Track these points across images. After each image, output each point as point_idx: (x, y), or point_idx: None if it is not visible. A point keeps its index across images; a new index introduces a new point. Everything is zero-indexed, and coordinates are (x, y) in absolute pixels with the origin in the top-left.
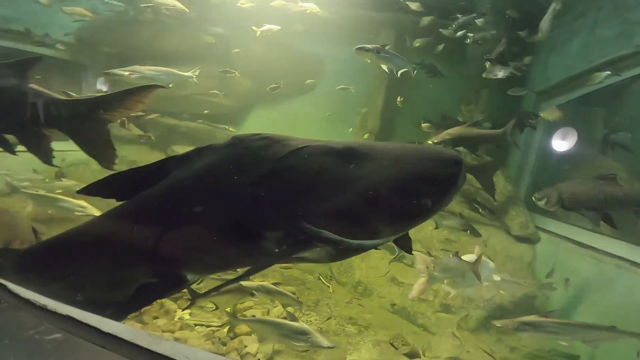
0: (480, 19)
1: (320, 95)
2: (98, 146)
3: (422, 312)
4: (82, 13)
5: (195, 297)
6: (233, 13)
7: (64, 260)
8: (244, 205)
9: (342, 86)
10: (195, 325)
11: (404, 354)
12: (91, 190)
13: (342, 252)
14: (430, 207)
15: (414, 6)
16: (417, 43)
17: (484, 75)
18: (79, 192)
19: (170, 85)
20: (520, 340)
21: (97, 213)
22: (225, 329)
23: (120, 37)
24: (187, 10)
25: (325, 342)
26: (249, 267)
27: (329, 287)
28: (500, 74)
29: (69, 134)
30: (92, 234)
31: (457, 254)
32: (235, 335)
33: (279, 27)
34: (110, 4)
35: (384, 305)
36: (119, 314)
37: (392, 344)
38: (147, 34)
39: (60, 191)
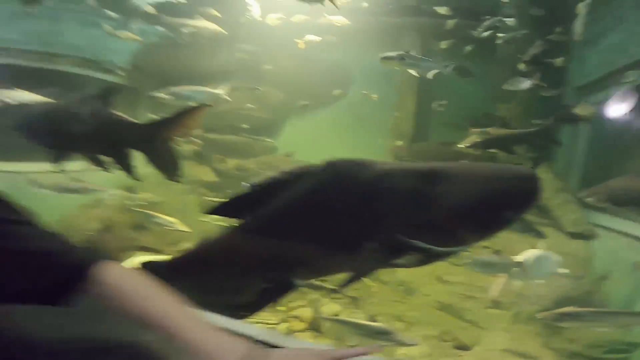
0: (511, 19)
1: (350, 102)
2: (164, 161)
3: (470, 309)
4: (132, 38)
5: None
6: (262, 30)
7: (199, 270)
8: (346, 221)
9: (364, 92)
10: (253, 322)
11: (454, 347)
12: (218, 211)
13: (430, 258)
14: (512, 218)
15: (442, 10)
16: (443, 45)
17: (504, 86)
18: (207, 212)
19: (210, 104)
20: (580, 332)
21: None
22: (283, 326)
23: (164, 60)
24: (225, 32)
25: (407, 340)
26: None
27: (372, 286)
28: (524, 85)
29: (142, 152)
30: (221, 247)
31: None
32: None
33: (320, 38)
34: (155, 29)
35: (429, 303)
36: (245, 314)
37: (441, 339)
38: (186, 56)
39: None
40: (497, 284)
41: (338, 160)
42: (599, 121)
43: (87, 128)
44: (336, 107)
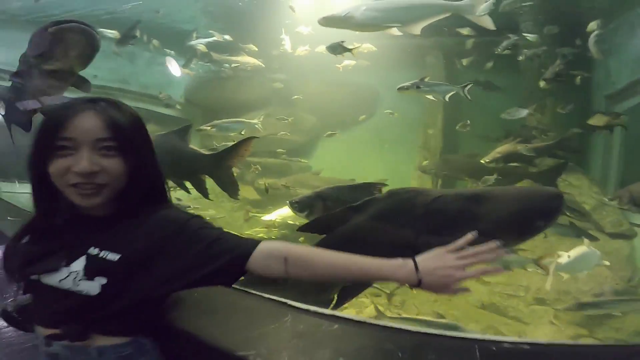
0: (534, 35)
1: (378, 122)
2: (227, 184)
3: (513, 306)
4: (185, 72)
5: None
6: (292, 60)
7: None
8: (409, 234)
9: (388, 111)
10: None
11: None
12: (308, 228)
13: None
14: (543, 227)
15: (464, 31)
16: (465, 62)
17: (502, 116)
18: (299, 229)
19: (243, 132)
20: (625, 321)
21: None
22: None
23: (211, 93)
24: (263, 65)
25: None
26: None
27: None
28: (522, 114)
29: (212, 177)
30: None
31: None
32: None
33: (354, 62)
34: (204, 66)
35: (471, 302)
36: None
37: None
38: (229, 88)
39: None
40: (549, 279)
41: (399, 189)
42: (632, 127)
43: (171, 159)
44: (365, 126)
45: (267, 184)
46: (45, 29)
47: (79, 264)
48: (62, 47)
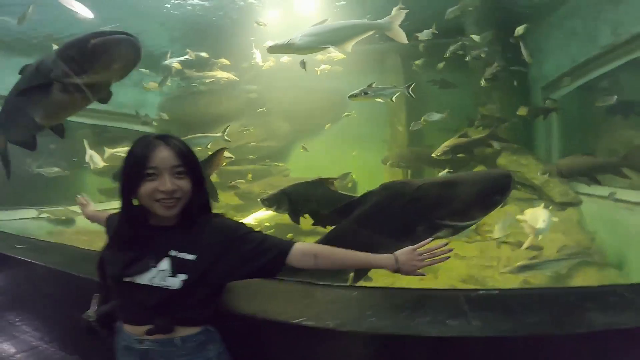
0: (477, 36)
1: (347, 122)
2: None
3: (490, 276)
4: (155, 87)
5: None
6: (263, 72)
7: None
8: (402, 217)
9: (346, 113)
10: None
11: None
12: (323, 221)
13: (456, 231)
14: (500, 201)
15: (423, 36)
16: (418, 63)
17: (423, 118)
18: (314, 224)
19: (209, 146)
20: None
21: None
22: None
23: (184, 109)
24: (238, 79)
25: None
26: None
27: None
28: (435, 117)
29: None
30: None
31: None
32: None
33: (330, 66)
34: (176, 82)
35: (454, 277)
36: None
37: None
38: (202, 102)
39: None
40: (527, 241)
41: (389, 182)
42: (565, 112)
43: None
44: (336, 128)
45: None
46: (87, 40)
47: (165, 264)
48: (106, 59)
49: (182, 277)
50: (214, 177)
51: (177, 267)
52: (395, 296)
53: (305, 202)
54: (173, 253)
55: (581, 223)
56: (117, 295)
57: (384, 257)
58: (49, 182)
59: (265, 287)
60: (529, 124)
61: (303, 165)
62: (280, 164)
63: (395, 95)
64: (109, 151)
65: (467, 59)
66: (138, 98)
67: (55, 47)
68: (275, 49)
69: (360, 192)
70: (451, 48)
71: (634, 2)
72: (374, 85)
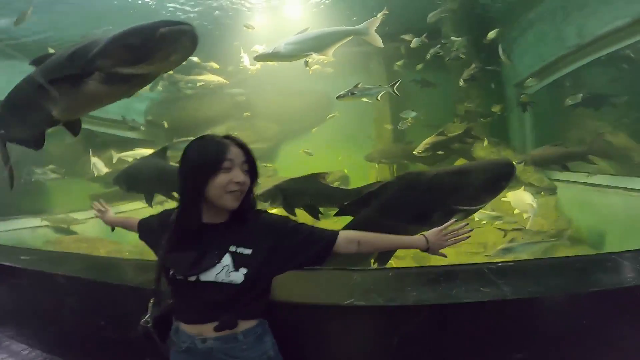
0: (459, 38)
1: (333, 122)
2: None
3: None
4: (145, 91)
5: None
6: (251, 75)
7: None
8: (420, 204)
9: (331, 115)
10: None
11: None
12: (341, 213)
13: (468, 214)
14: (505, 186)
15: (408, 37)
16: (398, 64)
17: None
18: (337, 214)
19: None
20: None
21: None
22: None
23: (171, 114)
24: (227, 82)
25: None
26: None
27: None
28: (411, 114)
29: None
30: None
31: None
32: None
33: (319, 67)
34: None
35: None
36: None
37: None
38: (189, 107)
39: None
40: (530, 220)
41: (406, 173)
42: (536, 106)
43: (157, 177)
44: (322, 128)
45: None
46: (155, 28)
47: (227, 259)
48: (169, 49)
49: (244, 271)
50: None
51: (238, 261)
52: (426, 273)
53: (299, 196)
54: (233, 248)
55: (558, 207)
56: (178, 296)
57: (416, 238)
58: (44, 189)
59: (302, 276)
60: (504, 119)
61: (290, 166)
62: (268, 165)
63: (380, 94)
64: (116, 155)
65: (446, 59)
66: (122, 103)
67: (51, 50)
68: (261, 58)
69: (351, 186)
70: (431, 51)
71: (597, 7)
72: (359, 86)
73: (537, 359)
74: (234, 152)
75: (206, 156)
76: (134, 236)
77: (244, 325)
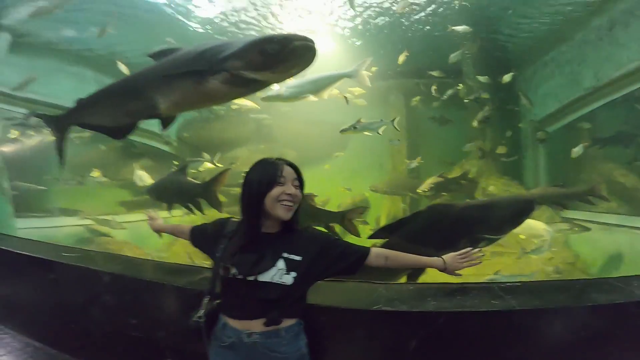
0: (483, 77)
1: (350, 154)
2: (214, 202)
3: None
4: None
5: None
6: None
7: None
8: (448, 233)
9: (337, 153)
10: None
11: None
12: (378, 235)
13: (490, 242)
14: (524, 220)
15: (435, 73)
16: (415, 100)
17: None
18: (370, 237)
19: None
20: None
21: None
22: None
23: (199, 133)
24: (259, 107)
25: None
26: None
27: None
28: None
29: (204, 199)
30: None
31: None
32: None
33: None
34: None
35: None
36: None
37: None
38: (217, 127)
39: None
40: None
41: (436, 204)
42: (551, 146)
43: (178, 189)
44: (338, 159)
45: None
46: (291, 40)
47: (281, 263)
48: (293, 62)
49: (293, 274)
50: (221, 197)
51: (289, 266)
52: (443, 288)
53: None
54: (285, 254)
55: (567, 244)
56: (232, 295)
57: (436, 259)
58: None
59: (333, 286)
60: (519, 158)
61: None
62: None
63: (381, 128)
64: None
65: (465, 100)
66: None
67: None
68: (267, 99)
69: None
70: (449, 91)
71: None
72: (362, 120)
73: None
74: (287, 170)
75: (265, 174)
76: (155, 242)
77: (286, 323)
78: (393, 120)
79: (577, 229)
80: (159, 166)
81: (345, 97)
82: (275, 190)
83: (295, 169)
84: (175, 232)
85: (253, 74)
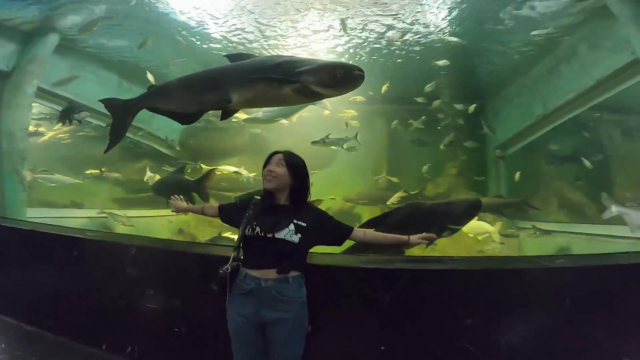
0: (460, 105)
1: (335, 169)
2: (204, 195)
3: None
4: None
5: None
6: None
7: None
8: (421, 223)
9: (313, 171)
10: None
11: None
12: (365, 226)
13: (453, 232)
14: (475, 214)
15: (419, 99)
16: (393, 124)
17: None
18: (361, 226)
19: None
20: None
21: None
22: None
23: (200, 140)
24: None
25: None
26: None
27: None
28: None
29: (196, 193)
30: None
31: None
32: None
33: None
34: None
35: None
36: None
37: None
38: (214, 136)
39: None
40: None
41: (412, 202)
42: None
43: (176, 185)
44: (330, 168)
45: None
46: (353, 69)
47: (292, 227)
48: (349, 85)
49: (299, 235)
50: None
51: (297, 229)
52: (409, 259)
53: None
54: (295, 220)
55: (520, 250)
56: (253, 249)
57: (401, 236)
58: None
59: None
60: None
61: None
62: None
63: (346, 143)
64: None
65: (438, 127)
66: (168, 122)
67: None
68: (248, 120)
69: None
70: (422, 118)
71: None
72: (330, 136)
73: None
74: (277, 156)
75: (266, 160)
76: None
77: (293, 273)
78: (356, 135)
79: (537, 233)
80: (158, 166)
81: (346, 123)
82: (265, 169)
83: (285, 154)
84: (200, 211)
85: (319, 89)
